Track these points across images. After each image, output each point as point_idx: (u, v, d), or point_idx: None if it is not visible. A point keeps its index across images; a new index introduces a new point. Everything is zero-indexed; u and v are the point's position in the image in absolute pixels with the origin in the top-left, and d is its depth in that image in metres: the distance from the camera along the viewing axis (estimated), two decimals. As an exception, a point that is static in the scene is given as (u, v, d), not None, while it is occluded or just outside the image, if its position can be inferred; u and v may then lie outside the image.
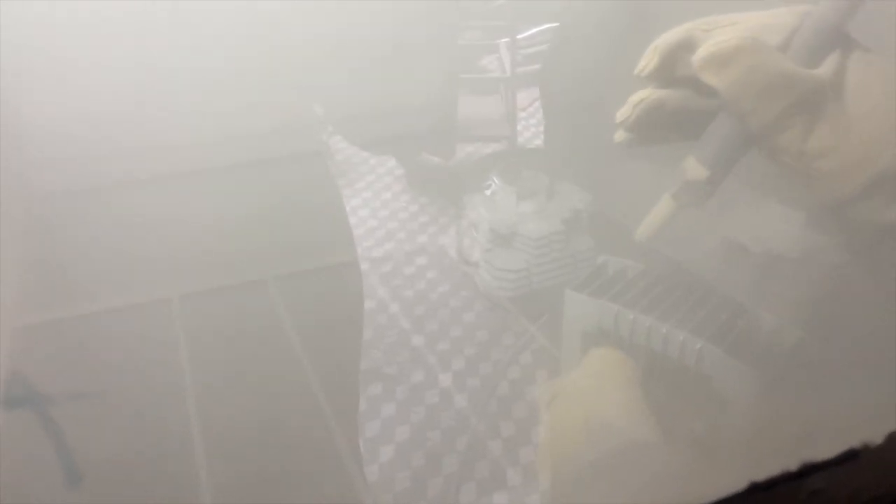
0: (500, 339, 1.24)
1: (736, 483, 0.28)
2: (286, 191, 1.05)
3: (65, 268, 0.94)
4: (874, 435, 0.30)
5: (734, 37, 0.59)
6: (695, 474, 0.66)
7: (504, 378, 1.17)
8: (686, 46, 0.61)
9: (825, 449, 0.29)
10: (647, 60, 0.63)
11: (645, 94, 0.64)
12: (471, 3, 1.41)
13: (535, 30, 1.50)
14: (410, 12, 1.21)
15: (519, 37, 1.41)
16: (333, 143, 1.62)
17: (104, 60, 0.91)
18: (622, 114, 0.65)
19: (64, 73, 0.93)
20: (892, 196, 0.59)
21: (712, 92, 0.61)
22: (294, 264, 1.05)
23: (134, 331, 0.88)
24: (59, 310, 0.90)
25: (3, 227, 0.91)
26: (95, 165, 0.96)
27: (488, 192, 1.25)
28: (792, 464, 0.28)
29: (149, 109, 0.93)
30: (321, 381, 0.97)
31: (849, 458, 0.28)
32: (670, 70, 0.63)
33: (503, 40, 1.45)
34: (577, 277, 0.95)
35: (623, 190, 1.04)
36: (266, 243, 1.03)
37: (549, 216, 1.14)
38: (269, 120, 1.06)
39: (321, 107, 1.25)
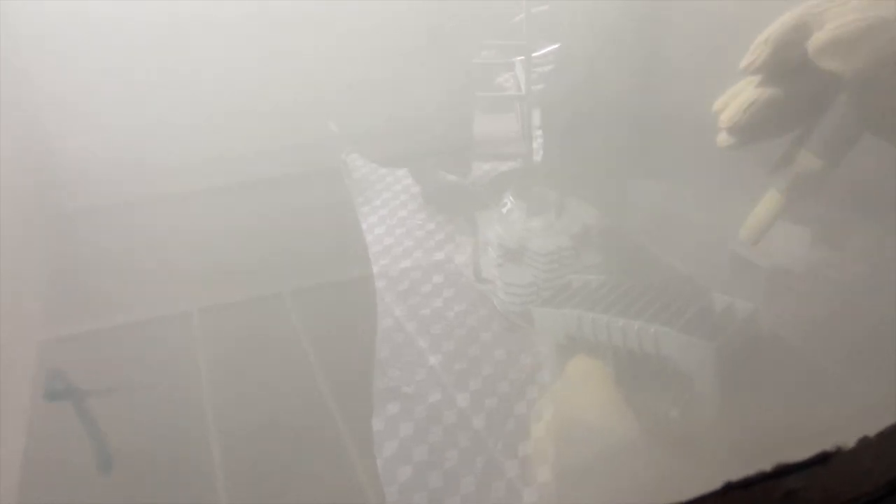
0: (518, 359, 1.24)
1: (713, 482, 0.28)
2: (303, 207, 1.06)
3: (89, 283, 0.95)
4: (847, 439, 0.30)
5: (858, 18, 0.54)
6: (674, 472, 0.67)
7: (522, 398, 1.16)
8: (796, 33, 0.57)
9: (800, 451, 0.30)
10: (757, 53, 0.59)
11: (755, 95, 0.60)
12: (487, 21, 1.42)
13: (550, 48, 1.50)
14: (427, 30, 1.22)
15: (534, 55, 1.41)
16: (351, 160, 1.64)
17: (125, 80, 0.93)
18: (730, 118, 0.61)
19: (88, 93, 0.94)
20: None
21: (819, 81, 0.57)
22: (310, 279, 1.05)
23: (154, 344, 0.89)
24: (83, 323, 0.91)
25: (30, 242, 0.92)
26: (118, 183, 0.97)
27: (504, 210, 1.25)
28: (766, 464, 0.28)
29: (170, 128, 0.94)
30: (336, 392, 0.97)
31: (822, 460, 0.29)
32: (780, 61, 0.58)
33: (519, 58, 1.46)
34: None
35: (632, 206, 1.04)
36: (283, 258, 1.04)
37: (559, 232, 1.15)
38: (288, 138, 1.08)
39: (339, 124, 1.27)
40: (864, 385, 0.63)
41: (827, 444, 0.31)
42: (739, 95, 0.61)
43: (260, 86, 1.04)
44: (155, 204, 0.94)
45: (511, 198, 1.24)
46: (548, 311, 0.89)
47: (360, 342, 1.22)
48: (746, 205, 0.69)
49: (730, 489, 0.29)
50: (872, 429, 0.32)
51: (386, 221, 1.55)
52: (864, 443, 0.30)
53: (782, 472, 0.30)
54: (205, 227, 0.95)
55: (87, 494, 0.74)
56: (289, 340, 0.99)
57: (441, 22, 1.22)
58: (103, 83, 0.92)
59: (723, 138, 0.62)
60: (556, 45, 1.41)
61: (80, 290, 0.93)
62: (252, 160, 1.08)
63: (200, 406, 0.83)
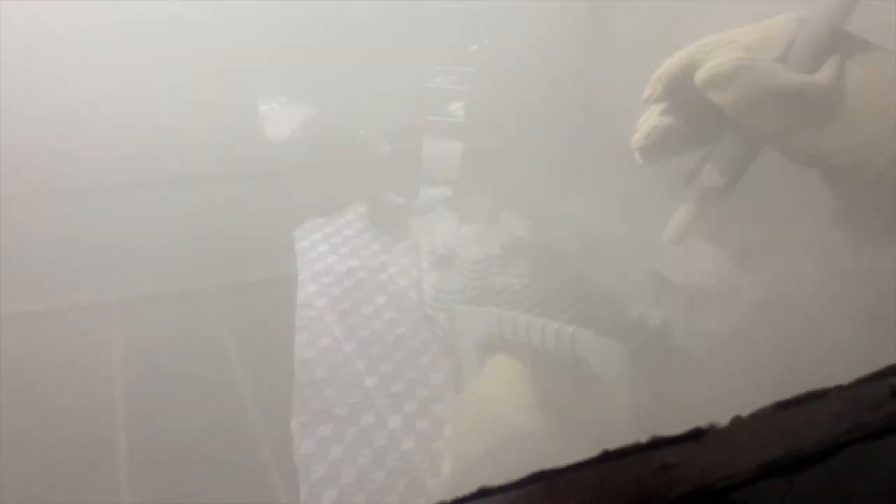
0: (454, 383, 1.22)
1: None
2: (234, 205, 1.04)
3: (10, 268, 0.91)
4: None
5: (732, 57, 0.62)
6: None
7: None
8: (689, 68, 0.65)
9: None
10: (652, 89, 0.67)
11: (656, 122, 0.68)
12: (442, 48, 1.45)
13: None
14: (380, 52, 1.23)
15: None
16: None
17: (57, 71, 0.91)
18: (637, 141, 0.69)
19: (15, 83, 0.92)
20: None
21: (714, 108, 0.64)
22: (235, 276, 1.03)
23: (70, 332, 0.85)
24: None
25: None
26: (46, 173, 0.95)
27: (436, 223, 1.27)
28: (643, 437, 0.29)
29: (105, 117, 0.92)
30: (266, 414, 0.95)
31: (695, 436, 0.30)
32: (675, 93, 0.66)
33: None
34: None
35: (562, 220, 1.07)
36: (217, 268, 1.02)
37: (489, 241, 1.16)
38: (232, 137, 1.06)
39: (289, 131, 1.26)
40: (761, 398, 0.65)
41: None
42: (647, 121, 0.68)
43: (208, 83, 1.03)
44: (84, 193, 0.91)
45: (443, 209, 1.26)
46: (469, 310, 0.91)
47: (296, 361, 1.20)
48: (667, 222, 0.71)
49: (607, 458, 0.30)
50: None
51: (330, 239, 1.54)
52: (737, 422, 0.31)
53: (658, 444, 0.30)
54: (133, 219, 0.92)
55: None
56: (208, 334, 0.96)
57: (395, 41, 1.24)
58: (32, 74, 0.91)
59: (636, 157, 0.71)
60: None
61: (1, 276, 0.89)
62: (188, 155, 1.06)
63: (109, 396, 0.80)
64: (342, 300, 1.46)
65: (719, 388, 0.69)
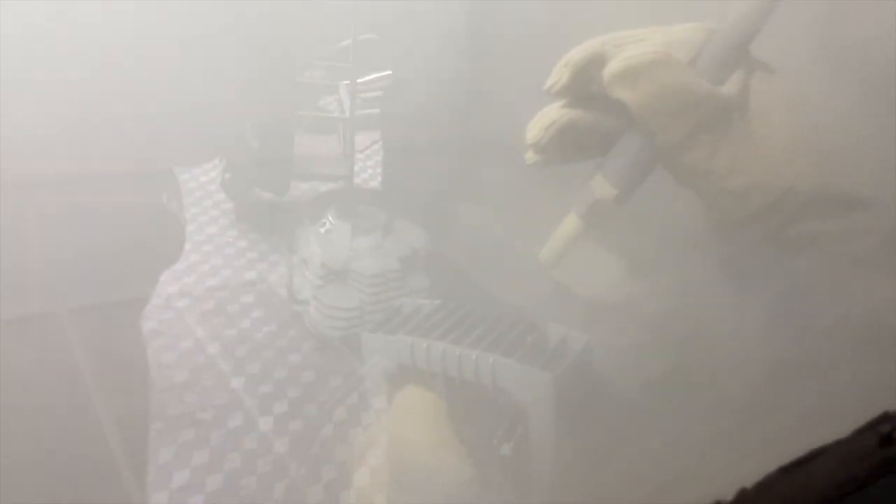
0: (328, 381, 1.21)
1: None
2: (95, 213, 0.94)
3: None
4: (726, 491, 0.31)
5: (648, 51, 0.58)
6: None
7: (329, 421, 1.14)
8: (596, 61, 0.59)
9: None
10: (558, 76, 0.61)
11: (556, 116, 0.61)
12: (314, 42, 1.42)
13: (375, 75, 1.53)
14: (251, 43, 1.19)
15: (360, 80, 1.43)
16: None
17: None
18: (533, 136, 0.62)
19: None
20: (792, 215, 0.59)
21: (620, 110, 0.60)
22: (98, 295, 0.94)
23: None
24: None
25: None
26: None
27: (322, 230, 1.23)
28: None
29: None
30: (117, 422, 0.88)
31: None
32: (580, 86, 0.61)
33: (344, 82, 1.47)
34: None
35: (460, 230, 1.05)
36: (66, 270, 0.92)
37: (386, 254, 1.12)
38: (88, 136, 0.97)
39: (153, 128, 1.17)
40: (669, 423, 0.65)
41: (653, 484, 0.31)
42: (545, 115, 0.62)
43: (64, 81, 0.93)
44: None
45: (331, 218, 1.21)
46: (379, 337, 0.82)
47: (151, 366, 1.13)
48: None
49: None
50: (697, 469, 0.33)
51: (193, 237, 1.47)
52: (743, 495, 0.31)
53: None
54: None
55: None
56: (65, 363, 0.88)
57: (265, 34, 1.19)
58: None
59: (529, 156, 0.64)
60: (385, 73, 1.44)
61: None
62: (39, 156, 0.95)
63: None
64: (205, 300, 1.40)
65: (640, 411, 0.68)
